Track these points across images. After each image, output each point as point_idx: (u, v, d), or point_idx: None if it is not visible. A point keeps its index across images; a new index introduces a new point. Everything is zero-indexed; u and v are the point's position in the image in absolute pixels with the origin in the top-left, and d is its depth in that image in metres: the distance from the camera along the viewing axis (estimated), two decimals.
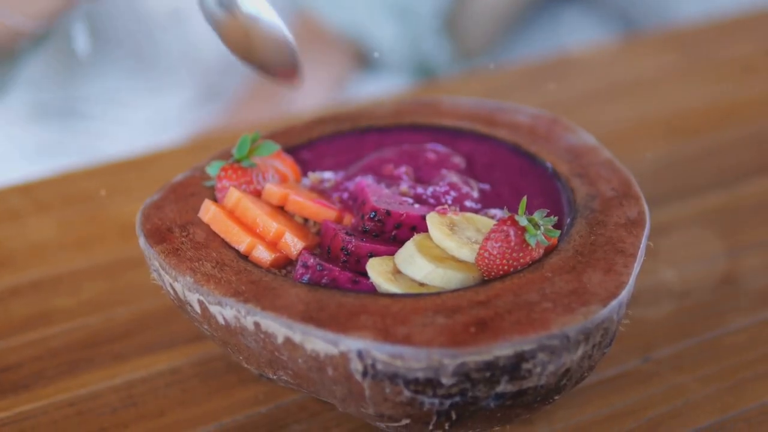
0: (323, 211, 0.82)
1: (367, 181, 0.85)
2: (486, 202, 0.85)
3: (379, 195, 0.82)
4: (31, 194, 1.11)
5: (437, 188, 0.84)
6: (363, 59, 1.60)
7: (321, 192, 0.86)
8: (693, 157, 1.18)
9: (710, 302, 0.95)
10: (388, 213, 0.80)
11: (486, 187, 0.86)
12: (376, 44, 1.55)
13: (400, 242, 0.80)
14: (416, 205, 0.82)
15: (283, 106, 1.49)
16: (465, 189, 0.84)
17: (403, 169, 0.86)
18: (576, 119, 1.24)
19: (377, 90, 1.54)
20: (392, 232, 0.80)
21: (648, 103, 1.29)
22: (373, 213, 0.80)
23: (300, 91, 1.51)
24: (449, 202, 0.83)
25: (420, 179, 0.86)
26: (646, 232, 0.79)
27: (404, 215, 0.80)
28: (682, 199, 1.09)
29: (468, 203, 0.83)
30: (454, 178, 0.85)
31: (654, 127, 1.24)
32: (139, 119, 1.49)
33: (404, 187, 0.84)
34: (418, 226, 0.80)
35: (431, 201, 0.83)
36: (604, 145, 0.91)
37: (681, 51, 1.41)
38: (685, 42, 1.43)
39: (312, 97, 1.52)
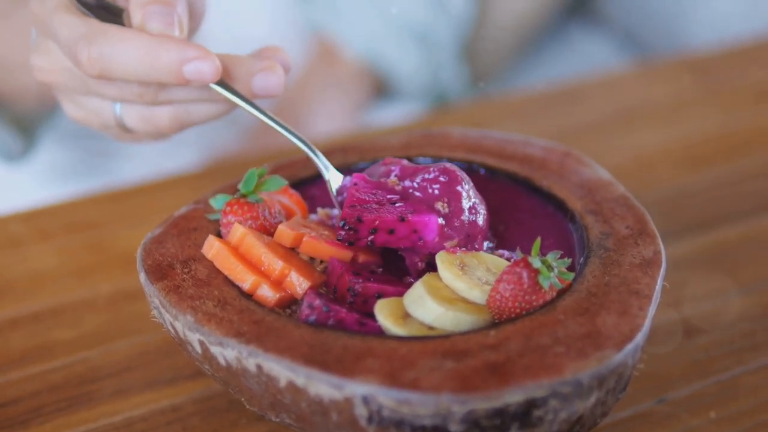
0: (339, 253, 0.79)
1: (357, 180, 0.82)
2: (497, 242, 0.83)
3: (361, 194, 0.79)
4: (33, 222, 1.09)
5: (426, 175, 0.81)
6: (381, 87, 1.58)
7: (330, 228, 0.84)
8: (708, 188, 1.15)
9: (727, 340, 0.92)
10: (359, 220, 0.78)
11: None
12: (395, 72, 1.54)
13: (378, 248, 0.79)
14: (397, 204, 0.79)
15: (301, 131, 1.47)
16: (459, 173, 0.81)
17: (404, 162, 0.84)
18: (588, 147, 1.22)
19: (391, 116, 1.52)
20: (368, 238, 0.78)
21: (662, 131, 1.27)
22: (342, 222, 0.78)
23: (317, 117, 1.50)
24: (437, 192, 0.80)
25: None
26: (662, 272, 0.76)
27: (378, 221, 0.78)
28: (697, 231, 1.07)
29: (459, 188, 0.80)
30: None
31: (668, 156, 1.22)
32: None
33: (393, 177, 0.82)
34: (396, 229, 0.78)
35: (417, 194, 0.80)
36: (617, 174, 0.89)
37: (695, 77, 1.39)
38: (699, 68, 1.41)
39: (329, 122, 1.50)
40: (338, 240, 0.78)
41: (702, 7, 1.77)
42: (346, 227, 0.78)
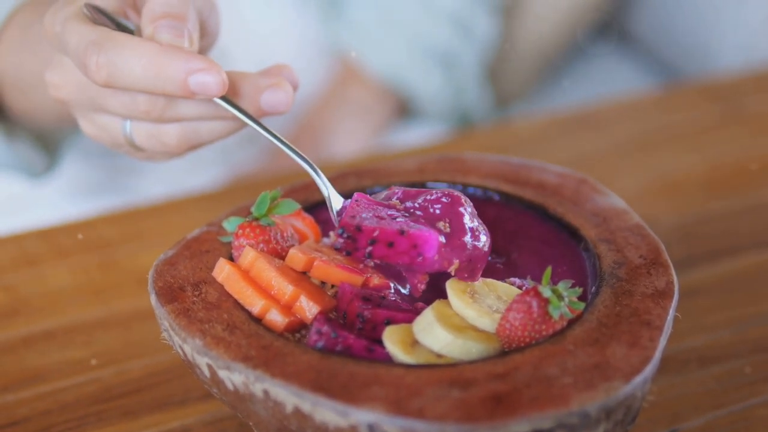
0: (350, 278, 0.79)
1: (359, 197, 0.81)
2: (508, 269, 0.82)
3: (362, 208, 0.79)
4: (50, 240, 1.09)
5: (428, 196, 0.80)
6: (404, 108, 1.58)
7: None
8: (726, 215, 1.14)
9: (741, 370, 0.92)
10: (358, 229, 0.77)
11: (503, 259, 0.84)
12: (418, 93, 1.53)
13: (376, 260, 0.78)
14: (399, 219, 0.79)
15: (322, 151, 1.47)
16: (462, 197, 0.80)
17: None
18: (609, 171, 1.22)
19: (413, 138, 1.52)
20: (367, 249, 0.77)
21: (682, 156, 1.26)
22: (341, 230, 0.77)
23: (339, 138, 1.50)
24: (438, 212, 0.79)
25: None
26: (674, 303, 0.76)
27: (377, 231, 0.77)
28: (714, 258, 1.06)
29: (462, 209, 0.80)
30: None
31: (687, 183, 1.21)
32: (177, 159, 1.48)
33: (395, 200, 0.81)
34: (395, 242, 0.77)
35: (419, 213, 0.79)
36: (636, 199, 0.88)
37: (716, 103, 1.38)
38: (720, 94, 1.40)
39: (350, 143, 1.50)
40: (336, 248, 0.78)
41: (730, 28, 1.76)
42: (345, 235, 0.77)
